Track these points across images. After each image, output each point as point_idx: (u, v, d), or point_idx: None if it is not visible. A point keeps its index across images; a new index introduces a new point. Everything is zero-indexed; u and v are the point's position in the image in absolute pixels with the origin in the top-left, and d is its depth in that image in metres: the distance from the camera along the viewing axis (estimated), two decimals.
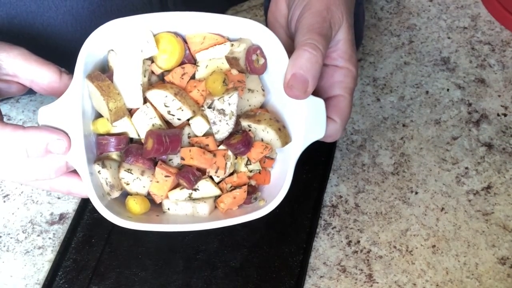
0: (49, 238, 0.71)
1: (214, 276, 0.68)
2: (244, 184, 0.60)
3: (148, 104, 0.58)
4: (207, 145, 0.59)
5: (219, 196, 0.61)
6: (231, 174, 0.61)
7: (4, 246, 0.71)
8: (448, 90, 0.82)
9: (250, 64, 0.59)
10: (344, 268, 0.69)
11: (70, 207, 0.73)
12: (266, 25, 0.65)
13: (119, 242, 0.69)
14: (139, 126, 0.59)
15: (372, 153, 0.77)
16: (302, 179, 0.73)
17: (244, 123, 0.60)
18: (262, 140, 0.60)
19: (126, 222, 0.57)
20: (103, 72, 0.58)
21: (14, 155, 0.52)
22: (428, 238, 0.71)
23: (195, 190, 0.59)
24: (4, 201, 0.74)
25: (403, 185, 0.74)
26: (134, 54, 0.57)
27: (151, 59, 0.60)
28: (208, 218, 0.60)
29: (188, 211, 0.60)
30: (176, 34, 0.60)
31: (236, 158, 0.60)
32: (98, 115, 0.59)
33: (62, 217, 0.72)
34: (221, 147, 0.60)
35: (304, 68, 0.54)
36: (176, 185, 0.60)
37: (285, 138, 0.59)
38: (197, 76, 0.60)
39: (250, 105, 0.62)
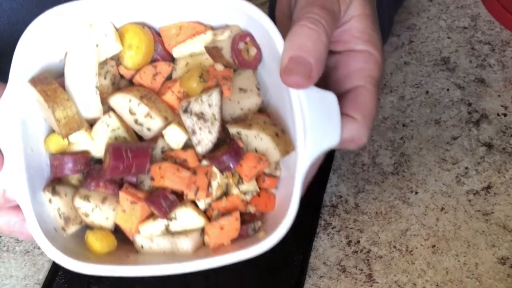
0: None
1: (214, 276, 0.68)
2: (235, 210, 0.47)
3: (110, 113, 0.47)
4: (185, 160, 0.46)
5: None
6: (221, 198, 0.48)
7: (4, 246, 0.71)
8: (448, 90, 0.82)
9: (237, 55, 0.47)
10: (344, 268, 0.69)
11: None
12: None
13: None
14: (99, 141, 0.47)
15: (372, 153, 0.77)
16: None
17: (233, 130, 0.47)
18: (256, 150, 0.47)
19: (81, 265, 0.44)
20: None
21: None
22: (428, 238, 0.71)
23: (170, 219, 0.47)
24: None
25: (403, 185, 0.74)
26: (87, 50, 0.46)
27: (117, 59, 0.49)
28: (193, 256, 0.47)
29: (166, 248, 0.47)
30: (145, 25, 0.48)
31: (226, 176, 0.47)
32: (52, 131, 0.48)
33: None
34: (204, 162, 0.47)
35: (304, 47, 0.42)
36: (150, 215, 0.47)
37: (285, 145, 0.46)
38: (175, 76, 0.49)
39: (242, 109, 0.48)
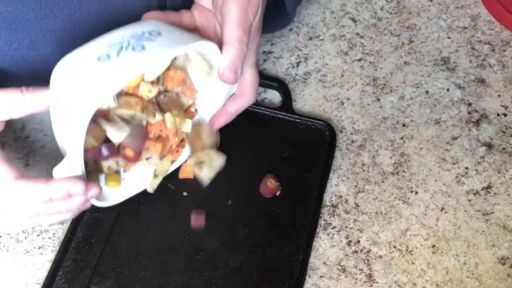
0: (49, 238, 0.71)
1: (214, 276, 0.68)
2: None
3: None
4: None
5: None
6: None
7: (4, 246, 0.71)
8: (448, 90, 0.82)
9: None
10: (344, 268, 0.69)
11: None
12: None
13: (119, 242, 0.69)
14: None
15: (372, 153, 0.77)
16: (302, 179, 0.73)
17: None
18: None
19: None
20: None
21: (38, 202, 0.58)
22: (428, 238, 0.71)
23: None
24: None
25: (403, 185, 0.74)
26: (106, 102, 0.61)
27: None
28: None
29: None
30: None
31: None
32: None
33: None
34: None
35: (235, 62, 0.62)
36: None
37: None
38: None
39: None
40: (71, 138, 0.58)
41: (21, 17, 0.66)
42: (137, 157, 0.64)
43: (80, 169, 0.59)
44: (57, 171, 0.58)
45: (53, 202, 0.58)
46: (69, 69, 0.58)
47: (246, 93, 0.67)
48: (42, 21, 0.67)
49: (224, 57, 0.63)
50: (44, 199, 0.57)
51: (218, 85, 0.66)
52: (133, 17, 0.71)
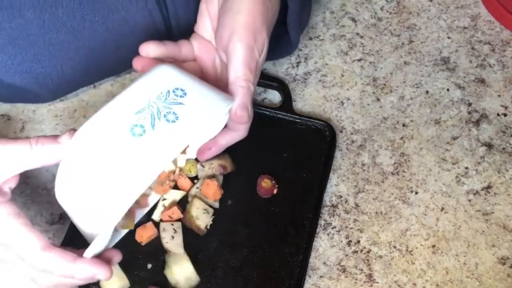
0: (49, 238, 0.71)
1: (214, 276, 0.68)
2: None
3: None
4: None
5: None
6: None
7: None
8: (448, 90, 0.82)
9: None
10: (344, 268, 0.69)
11: None
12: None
13: (118, 242, 0.69)
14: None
15: (372, 153, 0.77)
16: (302, 179, 0.73)
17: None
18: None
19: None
20: None
21: (60, 275, 0.56)
22: (428, 238, 0.71)
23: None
24: None
25: (403, 185, 0.74)
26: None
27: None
28: None
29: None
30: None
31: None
32: None
33: (62, 217, 0.72)
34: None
35: (245, 101, 0.63)
36: None
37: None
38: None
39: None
40: (101, 221, 0.54)
41: (25, 32, 0.67)
42: (144, 205, 0.67)
43: (105, 244, 0.57)
44: (88, 253, 0.56)
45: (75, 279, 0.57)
46: (96, 140, 0.54)
47: (239, 127, 0.66)
48: (45, 35, 0.68)
49: (234, 97, 0.63)
50: (67, 275, 0.56)
51: (216, 121, 0.66)
52: (136, 32, 0.71)
